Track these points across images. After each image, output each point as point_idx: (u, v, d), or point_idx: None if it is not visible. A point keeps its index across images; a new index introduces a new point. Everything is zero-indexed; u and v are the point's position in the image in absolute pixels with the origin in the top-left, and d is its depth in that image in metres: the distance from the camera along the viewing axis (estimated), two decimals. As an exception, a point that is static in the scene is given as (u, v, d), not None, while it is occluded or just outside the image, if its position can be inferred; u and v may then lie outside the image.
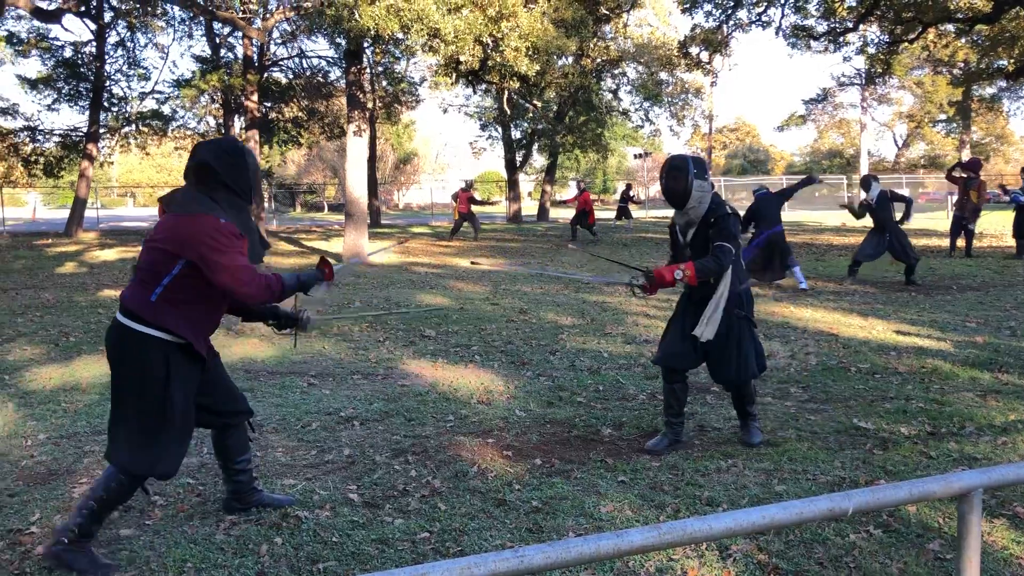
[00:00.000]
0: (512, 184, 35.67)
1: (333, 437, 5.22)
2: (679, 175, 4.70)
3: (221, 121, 27.03)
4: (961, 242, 16.35)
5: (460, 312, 10.37)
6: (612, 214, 29.84)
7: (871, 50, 25.05)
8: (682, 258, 4.89)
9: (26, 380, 6.84)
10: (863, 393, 6.16)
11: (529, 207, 44.21)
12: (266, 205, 32.92)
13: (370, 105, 22.54)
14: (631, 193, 29.15)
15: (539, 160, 44.28)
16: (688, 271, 4.55)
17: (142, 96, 26.69)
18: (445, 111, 39.86)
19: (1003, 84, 40.98)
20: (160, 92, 27.06)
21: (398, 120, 35.68)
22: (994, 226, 21.35)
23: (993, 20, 19.72)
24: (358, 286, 13.33)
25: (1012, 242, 16.40)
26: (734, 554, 3.47)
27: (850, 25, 21.74)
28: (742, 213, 10.81)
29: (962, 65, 40.27)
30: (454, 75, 20.05)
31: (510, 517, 3.92)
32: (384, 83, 27.90)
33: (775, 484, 4.29)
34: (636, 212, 32.48)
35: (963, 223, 16.08)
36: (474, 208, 23.96)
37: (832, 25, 21.92)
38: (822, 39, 22.45)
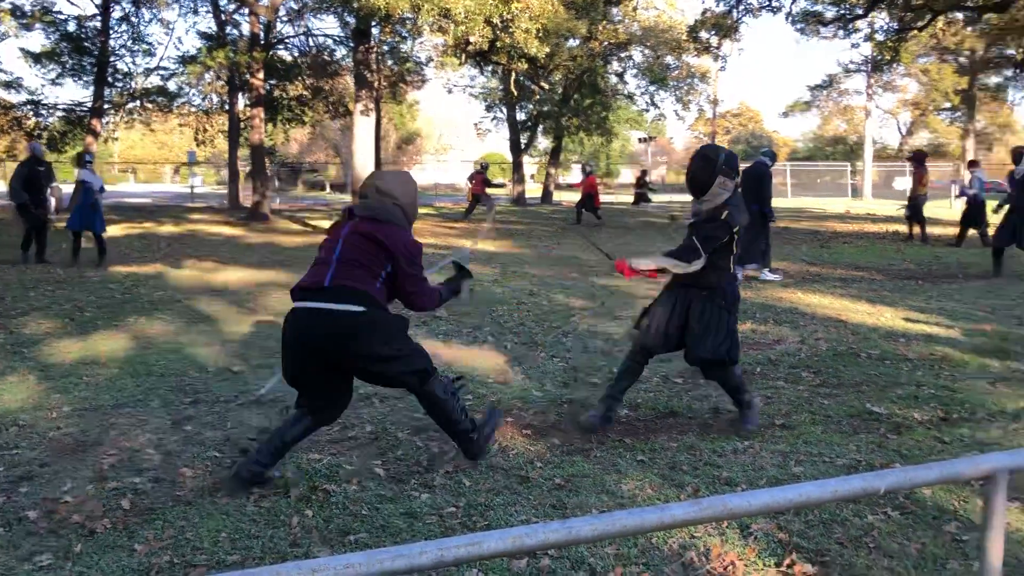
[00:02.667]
0: (516, 166, 35.64)
1: (355, 414, 5.29)
2: (706, 165, 4.66)
3: (225, 98, 27.00)
4: (917, 229, 17.13)
5: (470, 293, 10.40)
6: (614, 198, 29.86)
7: (879, 37, 25.00)
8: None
9: (44, 353, 6.91)
10: (874, 379, 6.23)
11: (533, 189, 44.20)
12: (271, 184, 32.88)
13: (376, 84, 22.49)
14: (647, 179, 29.21)
15: (543, 142, 44.20)
16: (649, 266, 4.70)
17: (147, 72, 26.63)
18: (450, 91, 39.68)
19: (1009, 73, 40.91)
20: (165, 68, 26.97)
21: (403, 100, 35.60)
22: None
23: (1004, 9, 19.68)
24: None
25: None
26: (755, 532, 3.55)
27: (860, 12, 21.70)
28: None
29: (968, 54, 40.18)
30: (462, 56, 20.04)
31: (533, 493, 4.00)
32: (390, 62, 27.82)
33: (792, 466, 4.37)
34: (655, 197, 32.66)
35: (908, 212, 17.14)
36: (489, 191, 23.94)
37: (842, 11, 21.88)
38: (831, 25, 22.42)
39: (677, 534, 3.51)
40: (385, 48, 25.36)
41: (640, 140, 54.43)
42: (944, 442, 4.75)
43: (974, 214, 16.07)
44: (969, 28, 27.39)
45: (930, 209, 18.61)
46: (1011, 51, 25.90)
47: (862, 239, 18.33)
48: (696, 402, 5.62)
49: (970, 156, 44.47)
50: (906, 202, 17.48)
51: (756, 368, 6.58)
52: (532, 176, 57.23)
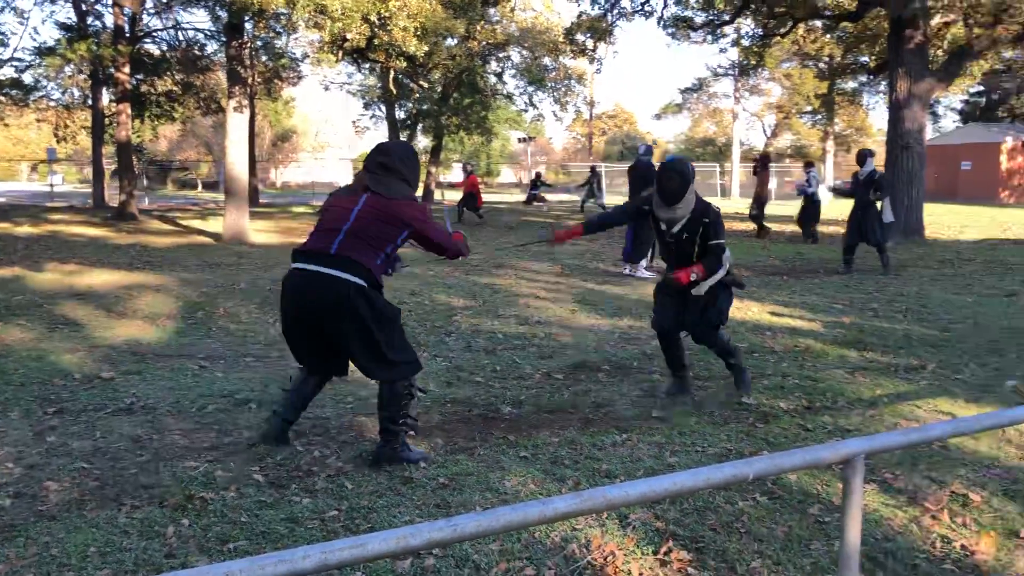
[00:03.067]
0: (396, 165, 35.31)
1: (231, 419, 5.17)
2: (680, 179, 5.30)
3: (88, 93, 25.74)
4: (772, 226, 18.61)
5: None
6: (497, 197, 30.04)
7: (745, 43, 26.06)
8: (665, 245, 5.59)
9: None
10: (743, 371, 6.50)
11: (412, 188, 43.95)
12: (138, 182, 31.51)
13: (250, 80, 21.88)
14: (542, 180, 29.60)
15: (423, 141, 44.02)
16: (699, 272, 5.37)
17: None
18: (327, 88, 38.99)
19: (864, 79, 43.29)
20: (20, 59, 25.43)
21: (278, 96, 34.77)
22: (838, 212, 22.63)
23: (857, 18, 20.84)
24: (240, 267, 13.04)
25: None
26: (633, 522, 3.66)
27: (727, 18, 22.55)
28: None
29: (827, 60, 42.31)
30: (339, 53, 19.75)
31: (417, 494, 4.00)
32: (264, 58, 27.12)
33: (667, 456, 4.53)
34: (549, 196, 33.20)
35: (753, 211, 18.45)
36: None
37: (710, 17, 22.68)
38: (700, 30, 23.21)
39: (559, 527, 3.58)
40: (259, 44, 24.73)
41: (520, 140, 54.89)
42: (808, 429, 5.01)
43: (811, 211, 17.12)
44: (827, 35, 28.83)
45: (787, 208, 19.59)
46: (865, 58, 27.42)
47: (730, 237, 18.95)
48: (577, 398, 5.74)
49: (830, 157, 46.96)
50: (751, 202, 18.69)
51: (633, 363, 6.77)
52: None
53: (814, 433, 4.93)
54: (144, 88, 25.64)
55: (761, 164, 18.49)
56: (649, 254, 12.27)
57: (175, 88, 26.22)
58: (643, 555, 3.38)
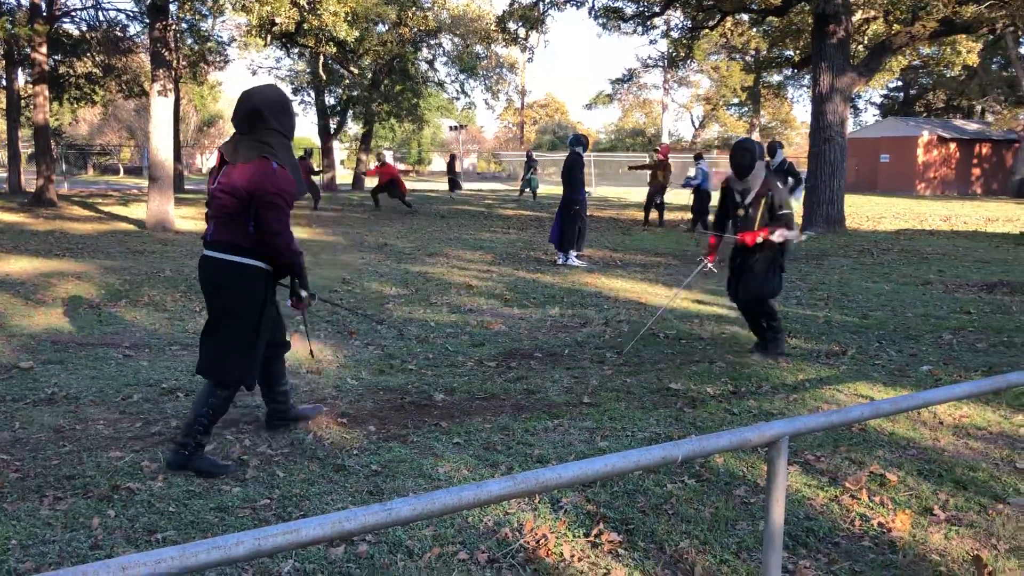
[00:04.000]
0: (326, 152, 34.94)
1: (157, 409, 5.07)
2: (747, 154, 6.13)
3: (2, 73, 24.77)
4: (654, 215, 19.27)
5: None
6: (427, 185, 29.89)
7: (675, 35, 26.40)
8: (735, 215, 6.40)
9: None
10: (672, 357, 6.64)
11: (344, 176, 43.47)
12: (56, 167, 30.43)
13: (175, 64, 21.29)
14: (455, 165, 29.50)
15: (354, 128, 43.52)
16: (764, 236, 6.13)
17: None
18: (255, 73, 38.14)
19: (788, 73, 44.26)
20: (-73, 38, 24.30)
21: (204, 80, 33.94)
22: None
23: (782, 13, 21.28)
24: (165, 254, 12.75)
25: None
26: (565, 506, 3.72)
27: (657, 10, 22.79)
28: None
29: (754, 53, 43.17)
30: (267, 37, 19.39)
31: (350, 481, 3.99)
32: (189, 41, 26.45)
33: (598, 440, 4.60)
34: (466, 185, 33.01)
35: (654, 199, 19.13)
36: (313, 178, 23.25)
37: (640, 8, 22.90)
38: (631, 21, 23.41)
39: (492, 512, 3.61)
40: (184, 26, 24.09)
41: (451, 128, 54.68)
42: (734, 413, 5.14)
43: (703, 201, 17.56)
44: (754, 29, 29.41)
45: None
46: (790, 52, 28.05)
47: (660, 227, 19.34)
48: (510, 384, 5.78)
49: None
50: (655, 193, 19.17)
51: (564, 350, 6.84)
52: (343, 162, 56.25)
53: (740, 417, 5.06)
54: (63, 70, 24.80)
55: (663, 155, 19.17)
56: (578, 243, 12.37)
57: (96, 70, 25.41)
58: (574, 537, 3.43)
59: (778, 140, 13.70)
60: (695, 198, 17.88)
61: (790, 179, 12.91)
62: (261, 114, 3.98)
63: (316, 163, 25.45)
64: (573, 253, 12.37)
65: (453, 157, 32.77)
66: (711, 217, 18.58)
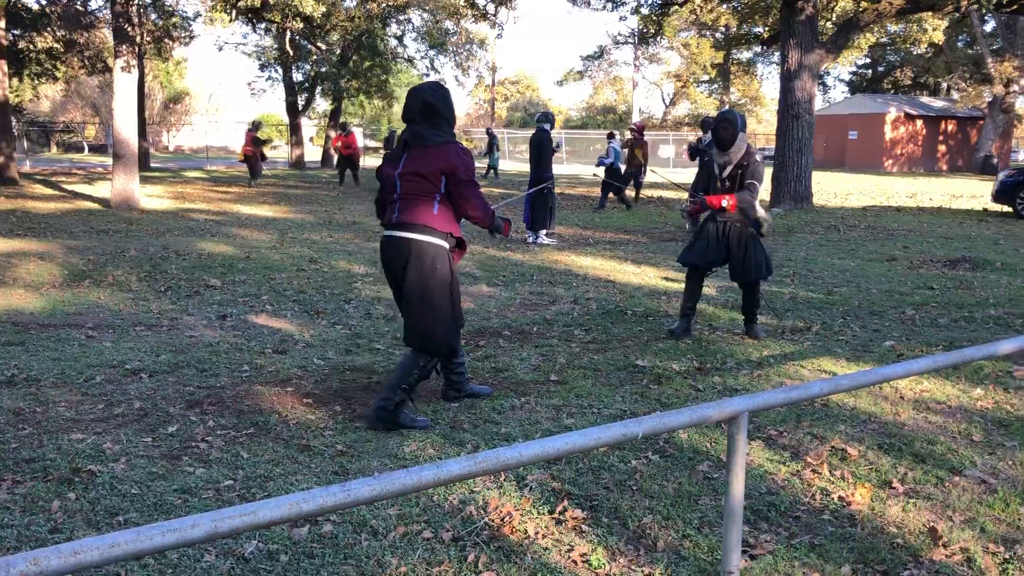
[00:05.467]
0: (294, 129, 34.57)
1: (121, 390, 5.02)
2: (730, 126, 6.18)
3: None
4: (630, 192, 19.33)
5: (246, 261, 10.08)
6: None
7: (644, 11, 26.31)
8: (714, 186, 6.34)
9: None
10: (639, 334, 6.67)
11: (313, 153, 43.05)
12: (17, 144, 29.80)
13: (139, 39, 20.88)
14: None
15: (322, 104, 43.05)
16: (731, 200, 6.14)
17: None
18: (221, 48, 37.80)
19: (758, 50, 44.41)
20: None
21: (169, 57, 33.38)
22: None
23: (752, -10, 21.29)
24: (130, 234, 12.58)
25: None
26: (530, 483, 3.74)
27: (626, -15, 22.71)
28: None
29: (724, 30, 43.22)
30: (233, 12, 19.10)
31: (315, 462, 3.98)
32: (153, 16, 25.96)
33: (564, 418, 4.62)
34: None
35: (632, 177, 19.13)
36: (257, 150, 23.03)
37: (610, -16, 22.80)
38: (600, -3, 23.30)
39: (457, 490, 3.62)
40: (147, 0, 23.65)
41: (421, 105, 54.09)
42: (699, 390, 5.18)
43: (614, 178, 17.70)
44: (723, 6, 29.39)
45: (682, 176, 20.09)
46: (759, 29, 28.09)
47: (629, 205, 19.38)
48: (477, 362, 5.78)
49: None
50: (632, 170, 19.17)
51: (533, 328, 6.85)
52: (311, 139, 55.68)
53: (705, 393, 5.10)
54: (23, 44, 24.26)
55: (638, 132, 19.14)
56: (548, 221, 12.37)
57: (57, 45, 24.88)
58: (539, 515, 3.45)
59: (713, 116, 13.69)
60: (608, 174, 17.83)
61: None
62: (434, 107, 4.35)
63: (264, 136, 25.23)
64: (543, 232, 12.37)
65: (392, 133, 32.66)
66: (629, 192, 18.88)
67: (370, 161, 35.09)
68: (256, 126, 22.70)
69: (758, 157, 6.29)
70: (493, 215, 4.60)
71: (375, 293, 8.23)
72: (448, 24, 33.88)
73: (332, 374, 5.47)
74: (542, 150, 12.14)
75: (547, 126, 12.36)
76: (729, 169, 6.28)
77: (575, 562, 3.09)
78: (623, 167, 18.61)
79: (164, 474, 3.78)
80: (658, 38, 29.46)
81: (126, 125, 16.58)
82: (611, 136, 18.94)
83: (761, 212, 6.37)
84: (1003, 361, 5.69)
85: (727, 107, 49.24)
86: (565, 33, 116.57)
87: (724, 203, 6.15)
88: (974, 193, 24.26)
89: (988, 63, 36.75)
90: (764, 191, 19.07)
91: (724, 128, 6.21)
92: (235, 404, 4.80)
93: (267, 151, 23.44)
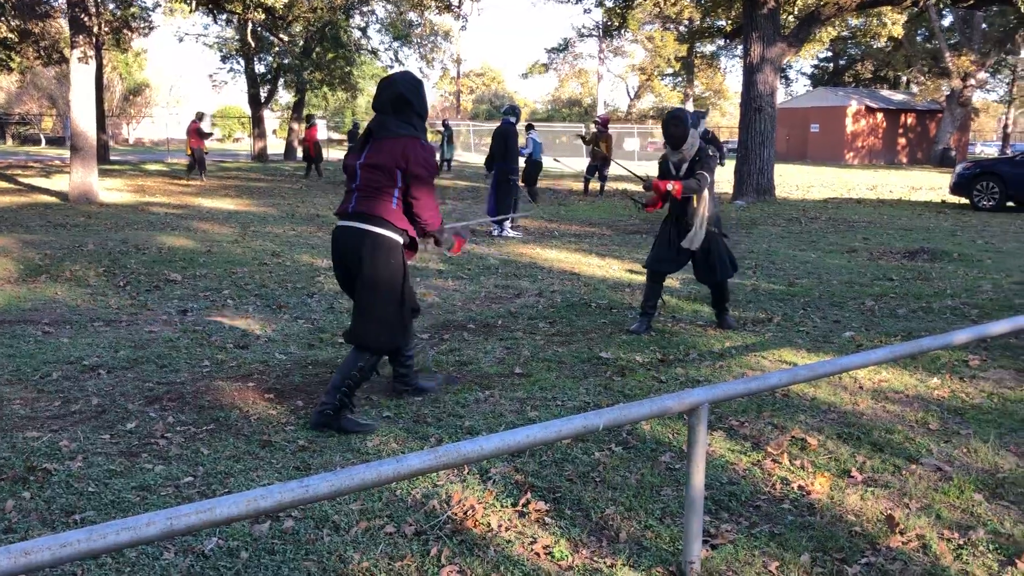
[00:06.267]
0: (256, 121, 34.21)
1: (78, 387, 4.93)
2: (680, 124, 6.15)
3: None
4: (595, 185, 19.69)
5: (208, 255, 9.96)
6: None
7: (608, 3, 26.35)
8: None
9: None
10: (603, 326, 6.69)
11: (276, 145, 42.63)
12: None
13: (96, 30, 20.50)
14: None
15: (285, 97, 42.66)
16: (676, 186, 6.10)
17: None
18: (181, 40, 37.31)
19: (721, 43, 44.65)
20: None
21: (128, 48, 32.86)
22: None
23: (715, -17, 21.41)
24: (88, 227, 12.37)
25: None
26: (494, 476, 3.73)
27: (590, -22, 22.71)
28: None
29: (687, 23, 43.41)
30: (193, 3, 18.83)
31: (276, 457, 3.95)
32: (111, 6, 25.51)
33: (528, 411, 4.62)
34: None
35: (597, 170, 19.52)
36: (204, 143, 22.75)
37: (574, -23, 22.79)
38: (565, -10, 23.30)
39: (420, 484, 3.61)
40: (105, -10, 23.26)
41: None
42: (662, 381, 5.21)
43: (532, 171, 17.51)
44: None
45: (647, 168, 20.24)
46: (722, 22, 28.27)
47: (595, 197, 19.45)
48: (441, 356, 5.76)
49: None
50: (597, 162, 19.40)
51: (498, 321, 6.84)
52: (275, 131, 55.17)
53: (667, 385, 5.14)
54: (-26, 35, 23.73)
55: (603, 125, 19.32)
56: (512, 212, 12.38)
57: (11, 35, 24.35)
58: (502, 507, 3.45)
59: (683, 108, 13.86)
60: (526, 167, 17.49)
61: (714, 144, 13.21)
62: (406, 99, 4.27)
63: (208, 128, 25.03)
64: (508, 224, 12.36)
65: (355, 125, 32.51)
66: (595, 186, 19.01)
67: (334, 153, 34.83)
68: (200, 117, 22.43)
69: (711, 152, 6.31)
70: (442, 222, 4.49)
71: (338, 287, 8.16)
72: (412, 16, 33.67)
73: (294, 369, 5.43)
74: (508, 143, 12.15)
75: (512, 119, 12.36)
76: (684, 167, 6.27)
77: (538, 554, 3.09)
78: (544, 160, 18.24)
79: (122, 471, 3.73)
80: (622, 31, 29.55)
81: (84, 117, 16.30)
82: (530, 127, 18.69)
83: (703, 212, 6.24)
84: (959, 351, 5.79)
85: (687, 102, 49.64)
86: (530, 26, 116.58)
87: (669, 187, 6.12)
88: (933, 185, 24.66)
89: (946, 57, 37.34)
90: (727, 184, 19.25)
91: (674, 126, 6.20)
92: (195, 400, 4.74)
93: (217, 143, 23.37)
